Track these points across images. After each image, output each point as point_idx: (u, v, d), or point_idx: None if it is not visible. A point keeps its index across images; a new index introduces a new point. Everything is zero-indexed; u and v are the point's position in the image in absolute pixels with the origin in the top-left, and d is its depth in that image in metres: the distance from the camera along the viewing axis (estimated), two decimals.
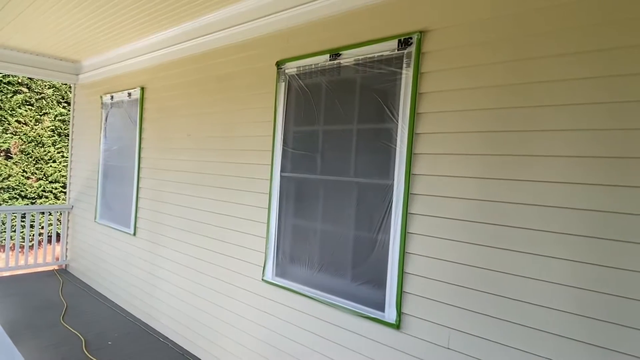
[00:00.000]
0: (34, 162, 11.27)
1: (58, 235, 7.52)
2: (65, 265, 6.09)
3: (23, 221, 6.27)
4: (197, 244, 3.66)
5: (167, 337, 3.93)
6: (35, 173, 11.30)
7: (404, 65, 2.29)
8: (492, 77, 1.97)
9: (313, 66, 2.76)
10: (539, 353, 1.79)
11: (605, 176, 1.66)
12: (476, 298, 1.99)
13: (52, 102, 11.52)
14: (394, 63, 2.34)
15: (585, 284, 1.69)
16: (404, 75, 2.29)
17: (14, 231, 7.16)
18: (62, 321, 4.17)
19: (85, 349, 3.59)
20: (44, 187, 11.36)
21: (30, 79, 10.92)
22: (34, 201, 11.12)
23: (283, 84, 2.95)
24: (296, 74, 2.88)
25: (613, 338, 1.62)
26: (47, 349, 3.55)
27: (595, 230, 1.67)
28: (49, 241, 6.07)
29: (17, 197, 10.93)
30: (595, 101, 1.68)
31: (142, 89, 4.48)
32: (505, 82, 1.93)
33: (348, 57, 2.56)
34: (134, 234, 4.53)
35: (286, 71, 2.93)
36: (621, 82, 1.62)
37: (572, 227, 1.73)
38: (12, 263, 5.66)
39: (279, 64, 2.97)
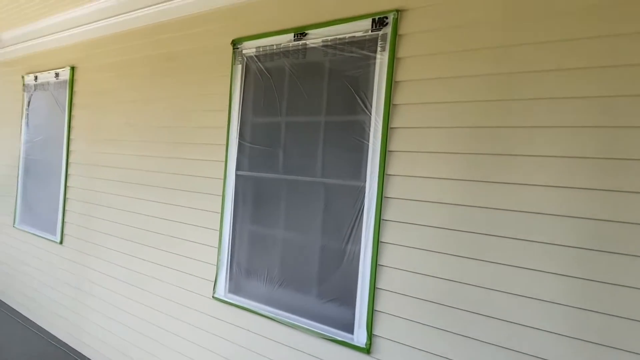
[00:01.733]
0: None
1: None
2: None
3: None
4: (137, 255, 3.58)
5: None
6: None
7: (379, 48, 2.29)
8: (480, 64, 1.99)
9: (275, 47, 2.74)
10: None
11: (602, 179, 1.71)
12: (458, 318, 2.01)
13: None
14: (367, 46, 2.35)
15: (578, 302, 1.74)
16: (378, 61, 2.29)
17: None
18: None
19: None
20: None
21: None
22: None
23: (240, 66, 2.91)
24: (255, 56, 2.85)
25: None
26: None
27: (591, 241, 1.72)
28: None
29: None
30: (592, 94, 1.73)
31: (73, 68, 4.35)
32: (493, 70, 1.95)
33: (315, 38, 2.55)
34: (61, 243, 4.40)
35: (243, 52, 2.90)
36: (618, 73, 1.67)
37: (565, 237, 1.77)
38: None
39: (235, 43, 2.93)
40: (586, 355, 1.71)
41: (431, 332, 2.08)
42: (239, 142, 2.91)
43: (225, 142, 2.97)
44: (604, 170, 1.70)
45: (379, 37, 2.29)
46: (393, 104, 2.24)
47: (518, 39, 1.90)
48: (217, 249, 2.99)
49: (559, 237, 1.78)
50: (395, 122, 2.23)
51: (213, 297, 2.98)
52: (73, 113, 4.35)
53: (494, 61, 1.96)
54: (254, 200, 2.89)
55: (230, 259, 2.95)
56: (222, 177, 2.97)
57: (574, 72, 1.77)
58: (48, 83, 4.72)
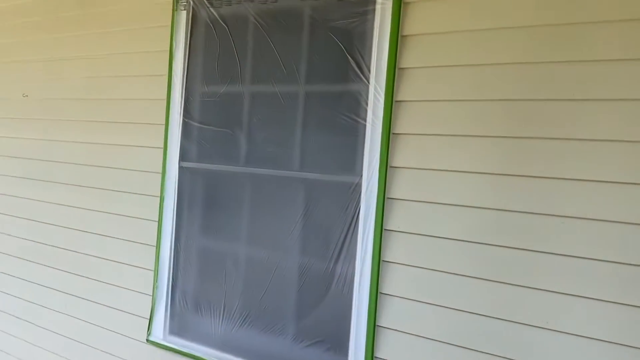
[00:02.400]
0: None
1: None
2: None
3: None
4: (41, 282, 3.64)
5: None
6: None
7: None
8: (523, 9, 2.00)
9: None
10: None
11: None
12: None
13: None
14: None
15: None
16: (379, 5, 2.32)
17: None
18: None
19: None
20: None
21: None
22: None
23: (184, 13, 2.97)
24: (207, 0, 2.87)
25: None
26: None
27: None
28: None
29: None
30: None
31: None
32: (543, 20, 1.97)
33: None
34: None
35: None
36: None
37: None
38: None
39: None
40: None
41: None
42: (183, 120, 2.95)
43: (164, 122, 3.01)
44: None
45: None
46: (399, 68, 2.27)
47: None
48: (153, 273, 3.03)
49: (628, 253, 1.80)
50: (403, 94, 2.26)
51: (147, 340, 3.03)
52: None
53: (544, 4, 1.96)
54: (205, 203, 2.93)
55: (173, 287, 3.00)
56: (160, 171, 3.02)
57: None
58: None
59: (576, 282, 1.88)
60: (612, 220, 1.82)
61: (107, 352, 3.21)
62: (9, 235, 3.85)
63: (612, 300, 1.82)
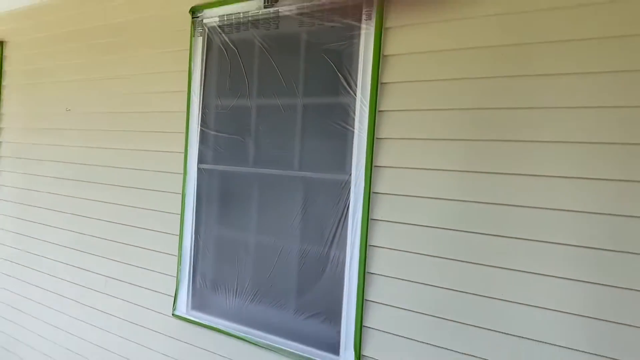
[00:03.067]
0: None
1: None
2: None
3: None
4: (83, 266, 3.62)
5: None
6: None
7: (364, 16, 2.32)
8: (484, 33, 2.01)
9: (242, 15, 2.76)
10: None
11: (629, 169, 1.73)
12: (460, 333, 2.05)
13: None
14: (350, 13, 2.37)
15: (604, 314, 1.76)
16: (363, 31, 2.32)
17: None
18: None
19: None
20: None
21: None
22: None
23: (200, 39, 2.94)
24: (218, 26, 2.87)
25: None
26: None
27: (617, 242, 1.74)
28: None
29: None
30: (621, 69, 1.74)
31: (2, 43, 4.38)
32: (500, 41, 1.98)
33: (289, 4, 2.58)
34: None
35: (205, 21, 2.92)
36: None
37: (586, 237, 1.80)
38: None
39: (194, 12, 2.96)
40: None
41: (430, 351, 2.12)
42: (201, 129, 2.94)
43: (184, 130, 2.99)
44: (631, 158, 1.73)
45: (364, 3, 2.31)
46: (381, 83, 2.27)
47: (531, 4, 1.91)
48: (177, 258, 3.02)
49: (580, 237, 1.81)
50: (385, 104, 2.26)
51: (173, 314, 3.02)
52: (3, 97, 4.37)
53: (501, 29, 1.98)
54: (220, 199, 2.93)
55: (193, 270, 2.99)
56: (182, 172, 3.01)
57: (594, 41, 1.79)
58: None
59: (530, 261, 1.90)
60: (560, 209, 1.84)
61: (140, 325, 3.22)
62: (57, 227, 3.84)
63: (563, 276, 1.83)
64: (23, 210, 4.15)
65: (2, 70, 4.34)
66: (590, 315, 1.79)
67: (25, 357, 4.03)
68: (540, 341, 1.87)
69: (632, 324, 1.71)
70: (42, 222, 3.97)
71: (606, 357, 1.75)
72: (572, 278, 1.82)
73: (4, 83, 4.33)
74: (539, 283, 1.88)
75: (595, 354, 1.77)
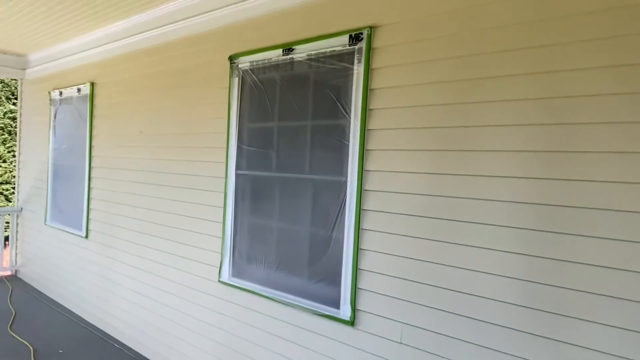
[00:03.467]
0: None
1: (7, 239, 7.21)
2: (15, 271, 5.87)
3: None
4: (152, 246, 3.62)
5: (122, 343, 3.87)
6: None
7: (356, 61, 2.31)
8: (439, 72, 2.02)
9: (266, 61, 2.76)
10: (488, 345, 1.86)
11: (546, 170, 1.73)
12: (427, 292, 2.04)
13: (1, 98, 10.98)
14: (345, 58, 2.37)
15: (530, 276, 1.76)
16: (355, 71, 2.32)
17: None
18: (9, 330, 4.01)
19: (34, 359, 3.47)
20: None
21: None
22: None
23: (237, 79, 2.94)
24: (249, 69, 2.87)
25: (557, 328, 1.69)
26: None
27: (539, 223, 1.74)
28: None
29: None
30: (536, 96, 1.75)
31: (92, 84, 4.38)
32: (451, 77, 1.98)
33: (301, 52, 2.58)
34: (86, 237, 4.43)
35: (239, 66, 2.92)
36: (566, 77, 1.70)
37: (516, 220, 1.80)
38: None
39: (232, 59, 2.96)
40: (530, 320, 1.74)
41: (405, 306, 2.11)
42: (237, 145, 2.95)
43: (225, 145, 3.00)
44: (547, 162, 1.73)
45: (356, 51, 2.31)
46: (369, 109, 2.27)
47: (471, 50, 1.92)
48: (221, 239, 3.03)
49: (512, 220, 1.81)
50: (371, 124, 2.26)
51: (218, 280, 3.03)
52: (94, 123, 4.39)
53: (451, 69, 1.98)
54: (251, 196, 2.92)
55: (233, 247, 2.99)
56: (224, 176, 3.01)
57: (518, 77, 1.79)
58: (72, 97, 4.75)
59: (476, 238, 1.90)
60: (500, 200, 1.84)
61: (195, 289, 3.23)
62: (132, 218, 3.86)
63: (500, 249, 1.83)
64: (108, 205, 4.18)
65: (93, 103, 4.37)
66: (521, 278, 1.78)
67: (111, 310, 4.07)
68: (484, 297, 1.87)
69: (551, 284, 1.71)
70: (121, 214, 4.00)
71: (532, 308, 1.75)
72: (506, 250, 1.82)
73: (94, 113, 4.36)
74: (483, 254, 1.88)
75: (524, 306, 1.77)
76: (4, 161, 10.99)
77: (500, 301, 1.83)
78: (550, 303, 1.71)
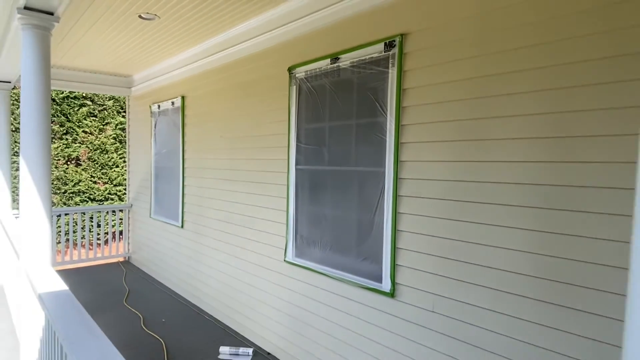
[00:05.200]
0: (100, 168, 12.57)
1: (122, 231, 8.47)
2: (128, 257, 6.92)
3: (92, 220, 7.19)
4: (232, 232, 4.15)
5: (211, 315, 4.49)
6: (102, 178, 12.60)
7: (390, 65, 2.60)
8: (461, 71, 2.24)
9: (317, 70, 3.13)
10: (507, 312, 2.06)
11: (553, 154, 1.89)
12: (454, 267, 2.28)
13: (112, 112, 12.76)
14: (382, 63, 2.66)
15: (540, 250, 1.94)
16: (390, 74, 2.59)
17: (84, 228, 8.16)
18: (125, 303, 4.87)
19: (144, 325, 4.24)
20: (109, 190, 12.64)
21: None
22: (101, 203, 12.42)
23: (294, 87, 3.34)
24: (304, 78, 3.26)
25: (563, 296, 1.86)
26: (113, 325, 4.24)
27: (544, 202, 1.92)
28: (114, 237, 6.93)
29: (87, 199, 12.27)
30: (545, 87, 1.92)
31: (183, 97, 5.05)
32: (472, 75, 2.19)
33: (345, 60, 2.90)
34: (182, 227, 5.14)
35: (296, 75, 3.32)
36: (569, 69, 1.86)
37: (526, 200, 1.98)
38: (84, 257, 6.56)
39: (290, 70, 3.36)
40: (540, 288, 1.92)
41: (436, 279, 2.36)
42: (296, 144, 3.33)
43: (287, 145, 3.41)
44: (552, 147, 1.90)
45: (390, 56, 2.60)
46: (402, 107, 2.53)
47: (490, 49, 2.12)
48: (285, 225, 3.44)
49: (523, 200, 1.99)
50: (404, 120, 2.52)
51: (284, 260, 3.44)
52: (185, 131, 5.05)
53: (472, 67, 2.19)
54: (309, 187, 3.27)
55: (295, 232, 3.37)
56: (286, 171, 3.41)
57: (529, 72, 1.97)
58: (167, 109, 5.50)
59: (493, 217, 2.09)
60: (513, 182, 2.01)
61: (266, 268, 3.63)
62: (217, 209, 4.37)
63: (512, 226, 2.01)
64: (198, 199, 4.78)
65: (184, 114, 5.04)
66: (534, 252, 1.96)
67: (201, 287, 4.68)
68: (503, 269, 2.07)
69: (557, 255, 1.88)
70: (208, 206, 4.56)
71: (545, 278, 1.93)
72: (521, 227, 2.00)
73: (185, 122, 5.03)
74: (501, 231, 2.07)
75: (539, 277, 1.94)
76: (117, 166, 12.75)
77: (517, 273, 2.02)
78: (557, 273, 1.88)
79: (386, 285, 2.62)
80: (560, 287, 1.88)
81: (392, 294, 2.58)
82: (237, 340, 3.90)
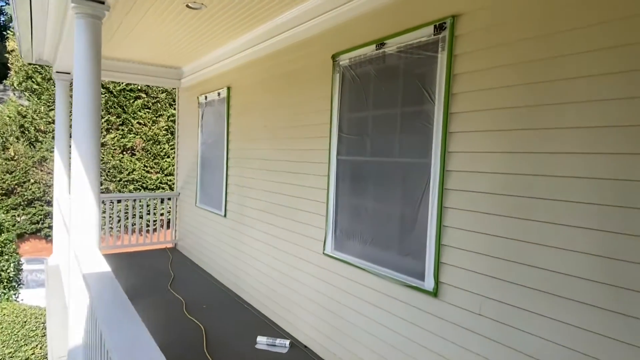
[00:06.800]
0: (153, 158, 13.10)
1: (170, 219, 8.76)
2: (175, 244, 7.13)
3: (142, 208, 7.47)
4: (272, 223, 4.13)
5: (250, 304, 4.51)
6: (154, 167, 13.13)
7: (440, 49, 2.42)
8: (517, 53, 2.03)
9: (362, 56, 2.99)
10: (564, 320, 1.85)
11: (629, 145, 1.66)
12: (506, 267, 2.08)
13: (165, 104, 13.24)
14: (430, 48, 2.49)
15: (609, 253, 1.71)
16: (439, 59, 2.42)
17: (135, 216, 8.53)
18: (169, 288, 5.00)
19: (185, 310, 4.32)
20: (160, 180, 13.16)
21: (147, 85, 12.71)
22: (153, 191, 12.93)
23: (338, 74, 3.23)
24: (348, 65, 3.13)
25: (635, 306, 1.64)
26: (157, 308, 4.35)
27: (617, 199, 1.69)
28: (162, 225, 7.16)
29: (140, 188, 12.82)
30: (619, 70, 1.69)
31: (229, 88, 5.08)
32: (532, 57, 1.98)
33: (391, 46, 2.75)
34: (225, 216, 5.20)
35: (340, 63, 3.20)
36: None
37: (594, 197, 1.76)
38: (134, 242, 6.82)
39: (334, 57, 3.25)
40: (605, 295, 1.70)
41: (485, 280, 2.17)
42: (338, 133, 3.23)
43: (328, 135, 3.31)
44: (624, 137, 1.66)
45: (440, 40, 2.42)
46: (452, 93, 2.35)
47: (553, 28, 1.90)
48: (325, 217, 3.36)
49: (588, 196, 1.77)
50: (454, 108, 2.34)
51: (323, 253, 3.36)
52: (230, 121, 5.08)
53: (531, 50, 1.98)
54: (350, 178, 3.16)
55: (335, 224, 3.28)
56: (327, 162, 3.32)
57: (598, 52, 1.74)
58: (213, 100, 5.58)
59: (553, 215, 1.89)
60: (577, 176, 1.80)
61: (304, 260, 3.59)
62: (256, 199, 4.38)
63: (575, 225, 1.81)
64: (240, 189, 4.82)
65: (230, 104, 5.07)
66: (598, 254, 1.74)
67: (241, 276, 4.72)
68: (561, 273, 1.87)
69: (624, 259, 1.66)
70: (249, 196, 4.57)
71: (610, 284, 1.71)
72: (584, 227, 1.79)
73: (230, 112, 5.06)
74: (560, 231, 1.87)
75: (602, 282, 1.73)
76: (168, 156, 13.23)
77: (577, 277, 1.81)
78: (629, 279, 1.65)
79: (429, 284, 2.46)
80: (629, 295, 1.65)
81: (435, 294, 2.42)
82: (274, 330, 3.87)
